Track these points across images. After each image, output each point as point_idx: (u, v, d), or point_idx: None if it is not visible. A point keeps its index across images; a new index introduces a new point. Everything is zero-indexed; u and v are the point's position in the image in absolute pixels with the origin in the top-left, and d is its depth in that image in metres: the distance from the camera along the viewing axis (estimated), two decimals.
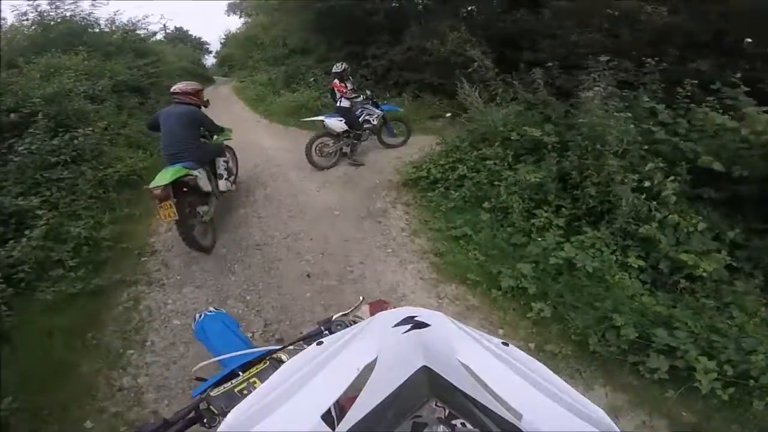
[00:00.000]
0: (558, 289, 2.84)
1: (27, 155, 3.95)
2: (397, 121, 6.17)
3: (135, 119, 6.50)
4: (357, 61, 9.69)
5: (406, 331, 0.54)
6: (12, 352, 2.45)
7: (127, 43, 9.54)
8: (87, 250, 3.32)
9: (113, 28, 9.88)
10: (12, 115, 4.42)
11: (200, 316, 1.34)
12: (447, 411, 0.46)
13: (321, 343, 0.56)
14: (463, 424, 0.44)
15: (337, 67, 5.36)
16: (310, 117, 5.79)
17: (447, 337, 0.53)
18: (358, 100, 5.48)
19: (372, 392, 0.44)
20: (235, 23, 28.69)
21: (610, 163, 3.18)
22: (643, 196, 3.13)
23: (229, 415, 0.45)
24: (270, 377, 0.50)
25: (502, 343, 0.55)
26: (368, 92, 5.78)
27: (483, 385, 0.46)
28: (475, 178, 4.16)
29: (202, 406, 0.76)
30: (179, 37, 22.80)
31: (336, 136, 5.38)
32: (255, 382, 0.81)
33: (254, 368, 0.86)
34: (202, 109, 3.80)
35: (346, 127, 5.30)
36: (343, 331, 0.61)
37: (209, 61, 25.90)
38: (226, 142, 4.38)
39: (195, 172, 3.40)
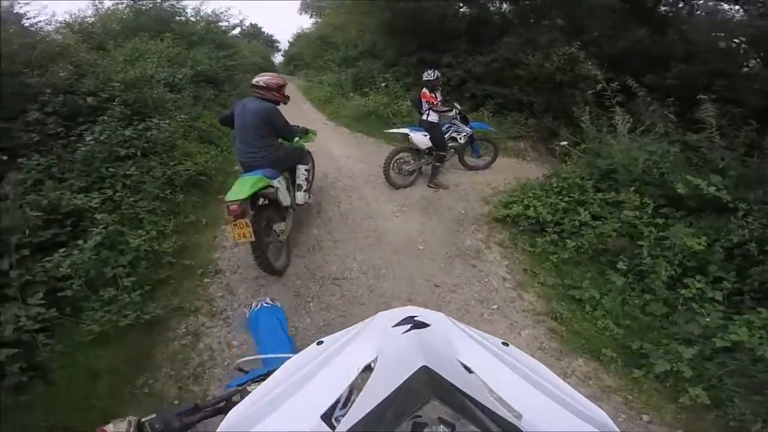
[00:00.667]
0: (719, 373, 2.26)
1: (95, 144, 3.61)
2: (483, 140, 5.47)
3: (209, 111, 6.28)
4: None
5: (406, 331, 0.53)
6: (47, 396, 2.00)
7: (210, 34, 9.62)
8: (145, 266, 2.88)
9: (198, 18, 10.07)
10: (89, 99, 4.13)
11: (257, 306, 1.30)
12: (447, 411, 0.46)
13: (321, 342, 0.56)
14: (463, 424, 0.44)
15: (429, 75, 4.71)
16: (392, 129, 5.19)
17: (447, 337, 0.53)
18: (449, 114, 4.83)
19: (372, 392, 0.43)
20: (306, 23, 29.12)
21: None
22: None
23: (229, 414, 0.45)
24: (270, 377, 0.51)
25: (502, 343, 0.56)
26: (458, 106, 5.11)
27: (483, 385, 0.46)
28: (599, 227, 3.36)
29: (235, 398, 0.74)
30: (253, 33, 23.53)
31: (417, 152, 4.77)
32: None
33: None
34: (281, 107, 3.21)
35: (430, 144, 4.67)
36: (343, 331, 0.60)
37: (277, 58, 26.32)
38: (308, 146, 3.88)
39: (275, 183, 2.93)
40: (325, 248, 3.50)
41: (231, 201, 2.55)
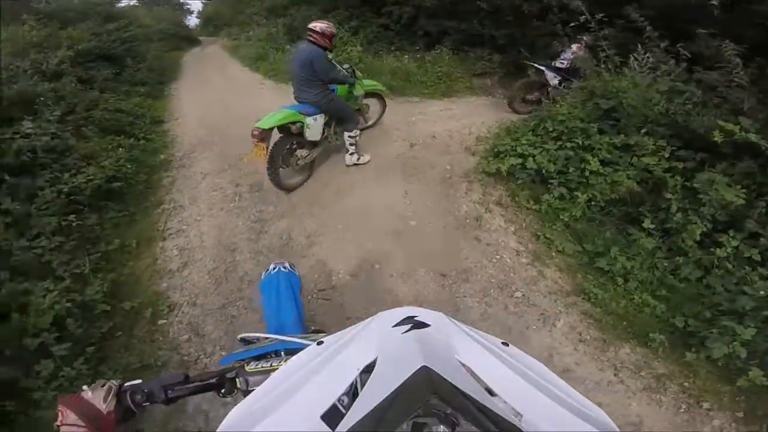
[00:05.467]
0: None
1: None
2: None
3: (110, 94, 5.03)
4: (375, 9, 8.12)
5: (406, 331, 0.52)
6: None
7: (91, 7, 8.19)
8: (76, 325, 2.08)
9: None
10: None
11: (274, 269, 1.24)
12: (447, 411, 0.46)
13: (321, 343, 0.55)
14: (463, 424, 0.44)
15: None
16: None
17: (447, 337, 0.53)
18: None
19: (372, 392, 0.42)
20: None
21: None
22: None
23: (229, 414, 0.44)
24: (270, 376, 0.50)
25: (502, 343, 0.54)
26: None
27: (483, 385, 0.45)
28: (611, 176, 2.92)
29: (230, 375, 0.72)
30: (154, 0, 20.63)
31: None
32: None
33: None
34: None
35: None
36: (342, 331, 0.59)
37: (192, 21, 24.34)
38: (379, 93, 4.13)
39: (308, 120, 3.13)
40: (297, 248, 2.81)
41: (255, 127, 2.90)
